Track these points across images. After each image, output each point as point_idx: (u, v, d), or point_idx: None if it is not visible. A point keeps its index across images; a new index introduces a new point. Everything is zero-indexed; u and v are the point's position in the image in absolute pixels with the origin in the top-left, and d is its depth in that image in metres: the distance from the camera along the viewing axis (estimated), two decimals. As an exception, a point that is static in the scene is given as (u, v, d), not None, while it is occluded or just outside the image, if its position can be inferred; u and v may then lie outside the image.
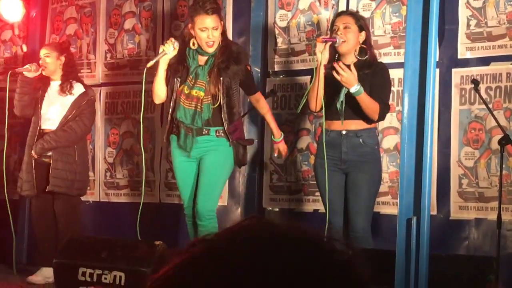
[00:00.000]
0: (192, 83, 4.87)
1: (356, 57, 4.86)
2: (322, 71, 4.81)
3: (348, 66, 4.68)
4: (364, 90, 4.68)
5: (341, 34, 4.81)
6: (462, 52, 5.38)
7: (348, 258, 0.99)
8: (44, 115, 5.99)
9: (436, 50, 4.12)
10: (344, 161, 4.81)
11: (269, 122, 5.26)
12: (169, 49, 4.84)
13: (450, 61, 5.40)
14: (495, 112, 5.09)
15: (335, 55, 4.87)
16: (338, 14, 5.06)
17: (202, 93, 4.84)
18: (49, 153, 5.91)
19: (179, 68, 4.91)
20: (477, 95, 5.17)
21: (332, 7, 5.89)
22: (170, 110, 4.98)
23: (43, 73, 6.01)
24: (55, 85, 6.05)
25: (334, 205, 4.83)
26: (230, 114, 4.88)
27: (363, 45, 4.85)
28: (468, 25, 5.37)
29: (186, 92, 4.87)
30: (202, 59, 4.93)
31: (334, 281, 0.96)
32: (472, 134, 5.33)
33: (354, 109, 4.76)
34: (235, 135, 4.91)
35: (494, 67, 5.27)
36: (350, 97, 4.72)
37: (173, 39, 4.92)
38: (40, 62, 6.03)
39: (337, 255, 0.99)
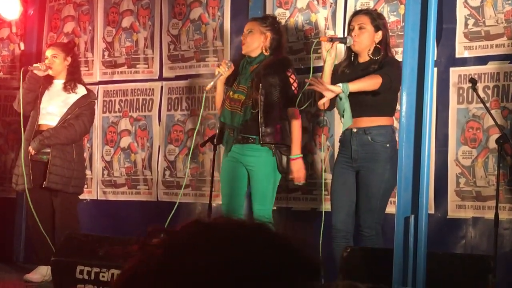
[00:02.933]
0: (236, 88, 5.20)
1: (369, 56, 4.85)
2: (328, 69, 4.81)
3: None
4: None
5: (355, 35, 4.80)
6: (460, 51, 5.39)
7: (299, 249, 1.05)
8: (43, 110, 5.99)
9: (434, 49, 4.12)
10: (355, 159, 4.80)
11: (292, 139, 5.18)
12: (224, 70, 5.21)
13: (448, 60, 5.41)
14: (492, 111, 5.09)
15: (350, 54, 4.89)
16: (354, 14, 5.03)
17: (243, 96, 5.14)
18: (47, 150, 5.91)
19: (230, 77, 5.25)
20: (475, 94, 5.17)
21: (330, 6, 5.89)
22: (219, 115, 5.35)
23: (50, 73, 6.03)
24: (58, 83, 6.07)
25: (337, 202, 4.83)
26: (267, 118, 5.07)
27: (378, 45, 4.83)
28: (466, 24, 5.37)
29: (231, 96, 5.20)
30: (251, 68, 5.22)
31: (285, 268, 1.00)
32: (469, 133, 5.34)
33: (364, 106, 4.74)
34: (268, 138, 5.08)
35: (492, 66, 5.27)
36: (356, 93, 4.71)
37: (227, 60, 5.32)
38: (47, 62, 6.04)
39: (288, 246, 1.04)
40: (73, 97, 6.03)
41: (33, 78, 6.01)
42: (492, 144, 5.12)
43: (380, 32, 4.84)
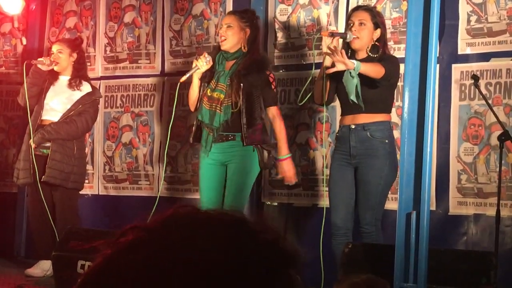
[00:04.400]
0: (214, 85, 5.08)
1: (368, 53, 4.84)
2: (328, 63, 4.79)
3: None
4: (371, 83, 4.65)
5: (355, 30, 4.77)
6: (462, 48, 5.38)
7: (274, 237, 1.03)
8: (47, 106, 5.99)
9: (437, 45, 4.12)
10: (353, 156, 4.79)
11: (277, 138, 5.17)
12: (202, 64, 5.06)
13: (450, 56, 5.40)
14: (494, 108, 5.09)
15: (348, 51, 4.86)
16: (354, 9, 5.00)
17: (222, 96, 5.03)
18: (48, 144, 5.91)
19: (207, 73, 5.12)
20: (477, 90, 5.17)
21: (333, 2, 5.89)
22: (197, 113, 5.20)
23: (55, 68, 6.03)
24: (63, 79, 6.07)
25: (336, 199, 4.83)
26: (250, 119, 4.99)
27: (376, 43, 4.81)
28: (469, 21, 5.37)
29: (209, 94, 5.08)
30: (228, 65, 5.12)
31: (259, 258, 1.00)
32: (471, 130, 5.33)
33: (362, 101, 4.72)
34: (251, 138, 5.00)
35: (494, 63, 5.27)
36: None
37: (206, 54, 5.13)
38: (53, 57, 6.04)
39: (262, 235, 1.03)
40: (77, 94, 6.03)
41: (37, 72, 6.01)
42: (494, 141, 5.12)
43: (378, 30, 4.82)
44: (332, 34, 4.76)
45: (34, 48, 7.18)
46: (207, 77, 5.12)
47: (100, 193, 6.88)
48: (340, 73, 4.74)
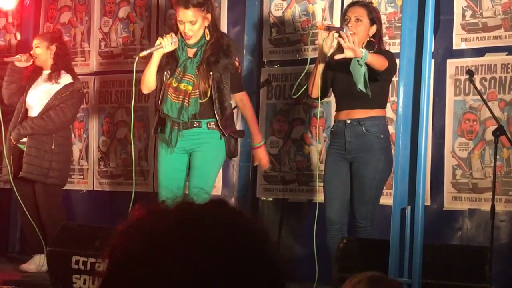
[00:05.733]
0: (180, 76, 4.78)
1: (362, 48, 4.80)
2: (322, 58, 4.78)
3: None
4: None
5: (351, 26, 4.75)
6: (457, 43, 5.38)
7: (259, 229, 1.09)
8: (28, 102, 5.97)
9: (432, 40, 4.11)
10: (348, 151, 4.78)
11: (250, 125, 5.04)
12: (167, 44, 4.74)
13: (445, 51, 5.40)
14: (489, 103, 5.09)
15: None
16: (350, 4, 4.98)
17: (190, 87, 4.75)
18: (24, 140, 5.89)
19: (169, 60, 4.82)
20: (472, 86, 5.17)
21: (328, -3, 5.88)
22: (159, 103, 4.88)
23: (36, 63, 5.99)
24: (45, 73, 6.02)
25: (330, 194, 4.82)
26: (222, 108, 4.79)
27: (371, 39, 4.80)
28: (464, 16, 5.37)
29: (174, 85, 4.77)
30: (190, 51, 4.84)
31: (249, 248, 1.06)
32: (466, 125, 5.33)
33: (357, 98, 4.71)
34: (228, 129, 4.83)
35: (489, 58, 5.27)
36: (349, 86, 4.68)
37: (173, 35, 4.78)
38: (31, 52, 6.02)
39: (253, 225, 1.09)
40: (55, 88, 5.94)
41: (13, 70, 5.99)
42: (489, 136, 5.12)
43: (374, 26, 4.81)
44: (328, 28, 4.74)
45: (28, 43, 7.16)
46: (170, 65, 4.82)
47: (94, 189, 6.87)
48: (337, 66, 4.74)
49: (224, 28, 6.31)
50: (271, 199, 6.10)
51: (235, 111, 5.08)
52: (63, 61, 6.04)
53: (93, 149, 6.89)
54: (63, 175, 6.02)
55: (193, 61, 4.80)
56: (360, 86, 4.54)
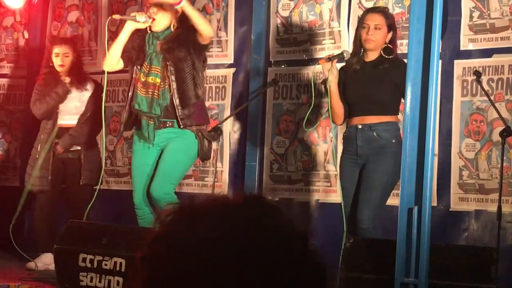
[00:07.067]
0: (147, 69, 4.75)
1: (381, 54, 4.85)
2: (334, 87, 4.83)
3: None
4: (383, 84, 4.71)
5: (371, 34, 4.80)
6: (465, 44, 5.38)
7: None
8: (62, 111, 5.98)
9: (440, 40, 4.11)
10: (360, 155, 4.80)
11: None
12: (141, 18, 4.70)
13: (452, 52, 5.40)
14: (496, 104, 5.09)
15: (359, 50, 4.87)
16: (368, 11, 5.02)
17: (158, 80, 4.72)
18: (73, 148, 5.92)
19: (140, 55, 4.79)
20: (479, 86, 5.17)
21: (335, -3, 5.89)
22: (128, 99, 4.87)
23: (58, 69, 5.97)
24: (67, 80, 6.01)
25: (348, 199, 4.82)
26: (183, 98, 4.71)
27: (389, 45, 4.84)
28: (471, 17, 5.37)
29: (143, 79, 4.75)
30: (159, 45, 4.80)
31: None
32: (473, 125, 5.33)
33: (370, 104, 4.75)
34: (188, 120, 4.75)
35: (497, 59, 5.27)
36: (364, 92, 4.75)
37: (150, 13, 4.73)
38: (60, 62, 5.95)
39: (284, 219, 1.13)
40: (86, 95, 6.02)
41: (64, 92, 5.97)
42: (496, 137, 5.12)
43: (391, 32, 4.86)
44: (329, 59, 4.83)
45: (36, 42, 7.18)
46: (140, 59, 4.78)
47: (101, 187, 6.87)
48: (348, 75, 4.85)
49: (231, 28, 6.32)
50: (277, 199, 6.10)
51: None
52: (82, 67, 6.15)
53: (100, 147, 6.90)
54: (93, 175, 5.99)
55: (158, 53, 4.76)
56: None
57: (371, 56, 4.85)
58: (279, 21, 6.15)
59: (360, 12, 5.72)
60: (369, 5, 5.66)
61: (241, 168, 6.13)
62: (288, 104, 6.07)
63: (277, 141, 6.07)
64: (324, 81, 4.92)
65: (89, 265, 4.62)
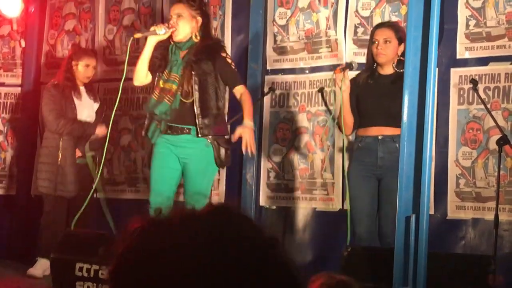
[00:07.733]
0: (167, 76, 4.91)
1: (394, 69, 4.91)
2: (347, 96, 4.90)
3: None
4: (399, 98, 4.74)
5: (381, 48, 4.84)
6: (461, 52, 5.39)
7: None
8: (80, 118, 6.10)
9: (437, 49, 4.13)
10: (380, 166, 4.81)
11: (243, 110, 4.92)
12: (160, 31, 4.86)
13: (449, 60, 5.41)
14: (493, 112, 5.10)
15: (372, 64, 4.91)
16: (377, 26, 5.08)
17: (174, 86, 4.87)
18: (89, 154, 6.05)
19: (162, 63, 4.95)
20: (476, 95, 5.18)
21: (332, 6, 5.90)
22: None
23: (85, 81, 6.14)
24: (82, 89, 6.17)
25: (360, 212, 4.81)
26: (204, 108, 4.83)
27: (401, 57, 4.86)
28: (467, 25, 5.38)
29: (161, 86, 4.90)
30: (182, 54, 4.95)
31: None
32: (470, 134, 5.34)
33: (391, 115, 4.76)
34: (207, 129, 4.83)
35: (493, 67, 5.28)
36: (382, 104, 4.77)
37: (169, 25, 4.89)
38: (90, 73, 6.14)
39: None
40: (95, 106, 6.23)
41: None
42: (493, 145, 5.12)
43: (402, 45, 4.88)
44: (343, 69, 4.95)
45: (32, 50, 7.18)
46: (162, 67, 4.94)
47: (98, 196, 6.86)
48: (362, 86, 4.93)
49: (228, 36, 6.33)
50: (274, 207, 6.10)
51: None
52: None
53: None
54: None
55: (180, 62, 4.91)
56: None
57: (386, 69, 4.91)
58: (276, 29, 6.15)
59: (357, 21, 5.75)
60: (366, 13, 5.67)
61: (238, 176, 6.13)
62: (285, 112, 6.07)
63: (274, 149, 6.07)
64: (334, 91, 4.99)
65: (85, 274, 4.61)
